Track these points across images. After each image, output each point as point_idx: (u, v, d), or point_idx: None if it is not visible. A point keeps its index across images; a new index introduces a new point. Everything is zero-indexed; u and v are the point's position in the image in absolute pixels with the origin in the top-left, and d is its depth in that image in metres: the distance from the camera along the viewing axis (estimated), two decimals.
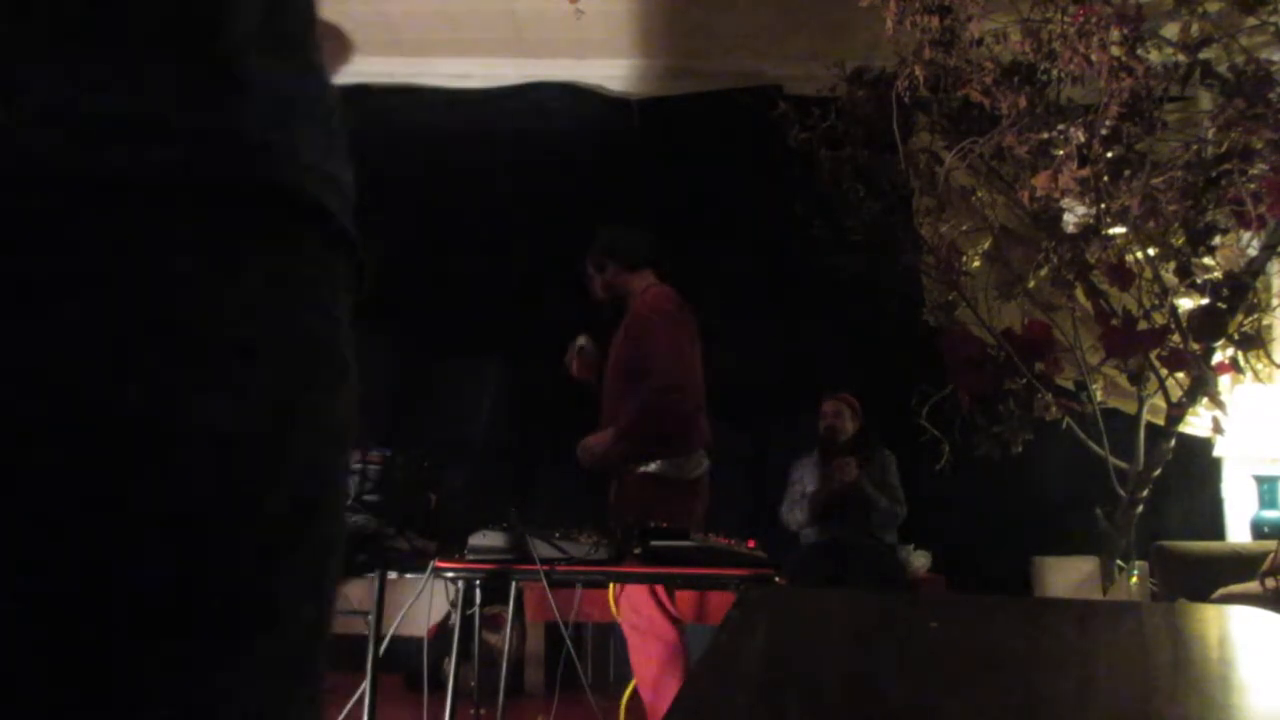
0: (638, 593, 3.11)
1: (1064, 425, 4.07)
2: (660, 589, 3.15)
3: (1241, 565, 3.81)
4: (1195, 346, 3.76)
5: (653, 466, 3.19)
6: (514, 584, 3.20)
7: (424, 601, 2.72)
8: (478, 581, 2.57)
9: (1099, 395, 4.19)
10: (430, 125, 5.16)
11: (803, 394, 4.62)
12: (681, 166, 5.04)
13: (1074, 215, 3.89)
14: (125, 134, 0.43)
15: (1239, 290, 3.67)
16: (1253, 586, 3.52)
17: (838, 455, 4.42)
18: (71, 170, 0.42)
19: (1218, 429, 3.98)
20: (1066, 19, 3.21)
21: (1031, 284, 4.10)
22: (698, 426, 3.20)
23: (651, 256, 3.39)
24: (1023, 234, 4.14)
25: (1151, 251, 3.81)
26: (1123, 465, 4.06)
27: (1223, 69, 3.42)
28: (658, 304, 3.20)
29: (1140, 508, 4.07)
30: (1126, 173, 3.49)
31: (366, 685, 2.36)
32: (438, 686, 3.49)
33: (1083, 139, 3.45)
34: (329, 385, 0.51)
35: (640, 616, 3.13)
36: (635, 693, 3.25)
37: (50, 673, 0.40)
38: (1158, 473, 4.03)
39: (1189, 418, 4.10)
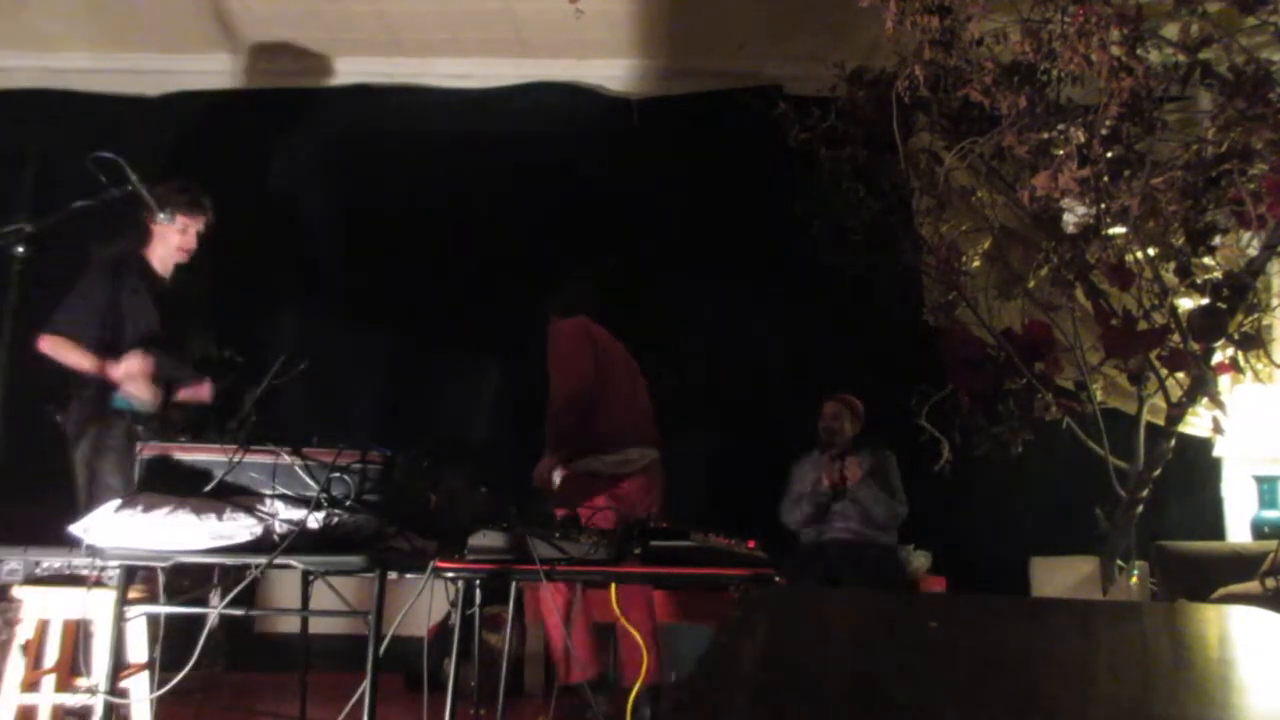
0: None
1: (1064, 425, 4.07)
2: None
3: (1241, 565, 3.81)
4: (1195, 346, 3.76)
5: (589, 465, 3.71)
6: (514, 584, 3.21)
7: (424, 601, 2.72)
8: (478, 581, 2.57)
9: (1099, 395, 4.19)
10: (430, 125, 5.16)
11: (803, 394, 4.61)
12: (681, 166, 5.04)
13: (1074, 215, 3.89)
14: None
15: (1239, 290, 3.67)
16: (1253, 586, 3.52)
17: (838, 457, 4.42)
18: None
19: (1218, 429, 3.98)
20: (1066, 19, 3.20)
21: (1031, 284, 4.10)
22: (594, 427, 3.70)
23: (583, 305, 3.91)
24: (1023, 234, 4.15)
25: (1151, 251, 3.80)
26: (1123, 465, 4.06)
27: (1223, 69, 3.42)
28: (554, 337, 3.83)
29: (1140, 508, 4.06)
30: (1126, 173, 3.49)
31: (366, 685, 2.36)
32: (438, 686, 3.49)
33: (1083, 139, 3.45)
34: None
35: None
36: (640, 692, 3.26)
37: None
38: (1158, 473, 4.03)
39: (1189, 418, 4.09)
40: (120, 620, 2.47)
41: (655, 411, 3.97)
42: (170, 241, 3.59)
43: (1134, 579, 4.05)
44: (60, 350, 3.43)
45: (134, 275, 3.55)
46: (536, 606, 3.81)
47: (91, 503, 3.04)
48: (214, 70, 5.28)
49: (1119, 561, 4.13)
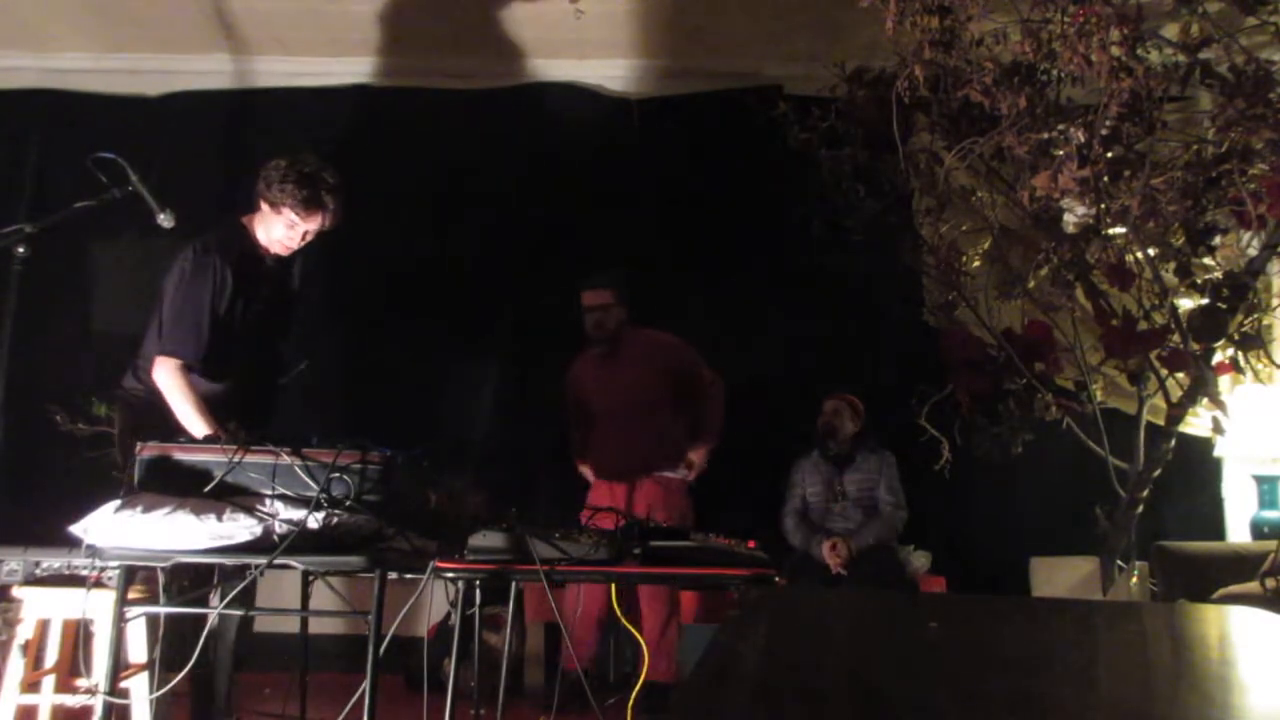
0: None
1: (1064, 425, 4.06)
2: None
3: (1241, 565, 3.81)
4: (1195, 346, 3.76)
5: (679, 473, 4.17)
6: (514, 584, 3.21)
7: (424, 601, 2.72)
8: (478, 581, 2.57)
9: (1099, 395, 4.19)
10: (430, 125, 5.16)
11: (803, 394, 4.61)
12: (681, 166, 5.04)
13: (1074, 215, 3.89)
14: None
15: (1239, 290, 3.67)
16: (1253, 586, 3.52)
17: (836, 458, 4.41)
18: None
19: (1218, 429, 3.98)
20: (1066, 19, 3.20)
21: (1031, 284, 4.09)
22: None
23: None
24: (1023, 234, 4.14)
25: (1151, 251, 3.80)
26: (1123, 465, 4.05)
27: (1223, 69, 3.42)
28: (673, 342, 4.26)
29: (1140, 508, 4.06)
30: (1126, 173, 3.49)
31: (366, 685, 2.36)
32: (438, 686, 3.49)
33: (1083, 139, 3.45)
34: None
35: None
36: (640, 694, 3.27)
37: None
38: (1158, 473, 4.02)
39: (1189, 418, 4.09)
40: (120, 620, 2.47)
41: None
42: (272, 232, 3.06)
43: (1134, 579, 4.05)
44: (173, 383, 2.88)
45: (238, 264, 3.00)
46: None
47: None
48: (214, 70, 5.27)
49: (1119, 561, 4.12)
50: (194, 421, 2.85)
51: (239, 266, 3.01)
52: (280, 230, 3.04)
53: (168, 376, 2.90)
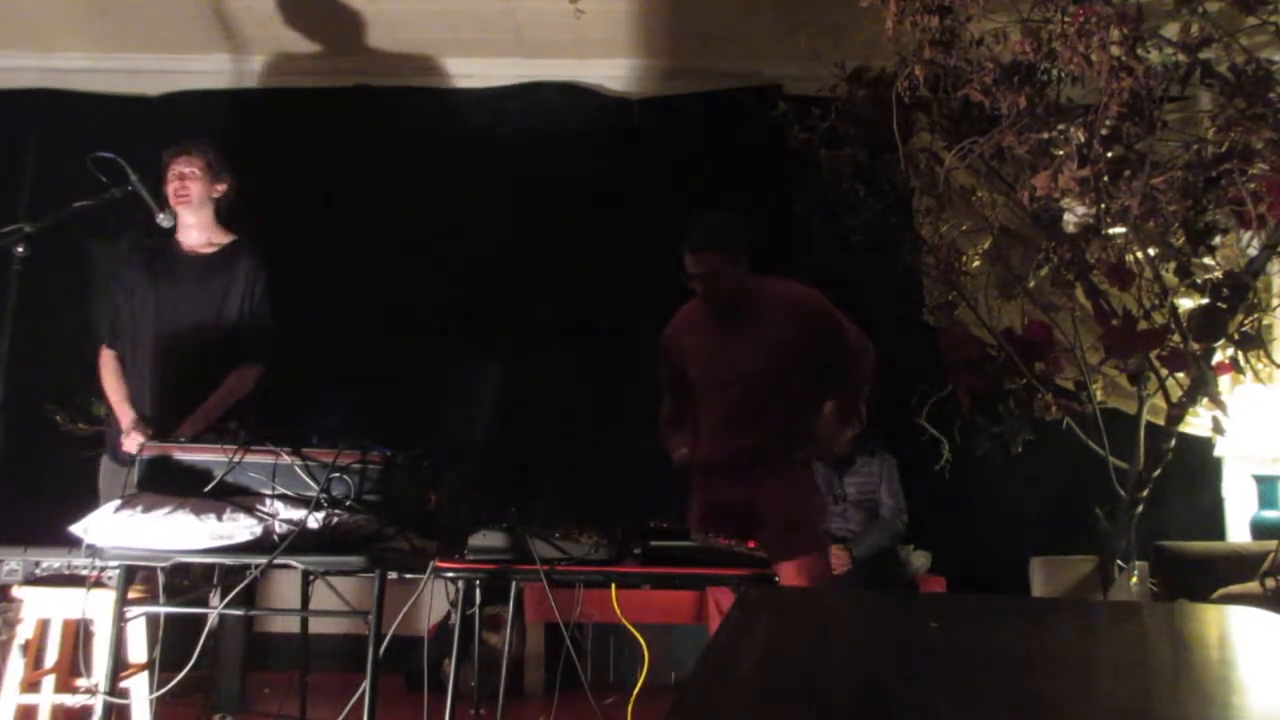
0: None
1: (1064, 425, 4.06)
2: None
3: (1241, 565, 3.81)
4: (1195, 346, 3.76)
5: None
6: (514, 584, 3.21)
7: (424, 601, 2.72)
8: (478, 581, 2.57)
9: (1099, 395, 4.19)
10: (430, 125, 5.16)
11: None
12: (681, 167, 5.03)
13: (1074, 215, 3.89)
14: None
15: (1239, 290, 3.66)
16: (1253, 586, 3.52)
17: (838, 455, 4.40)
18: None
19: (1218, 429, 3.98)
20: (1066, 19, 3.20)
21: (1031, 284, 4.09)
22: None
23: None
24: (1023, 234, 4.14)
25: (1151, 251, 3.80)
26: (1123, 465, 4.05)
27: (1223, 69, 3.42)
28: (817, 297, 3.34)
29: (1140, 508, 4.06)
30: (1126, 173, 3.49)
31: (366, 685, 2.36)
32: (438, 686, 3.49)
33: (1083, 139, 3.44)
34: None
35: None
36: (640, 694, 3.27)
37: None
38: (1158, 473, 4.02)
39: (1189, 418, 4.09)
40: (120, 620, 2.47)
41: None
42: (170, 192, 3.37)
43: (1134, 579, 4.05)
44: (100, 365, 3.44)
45: (136, 265, 3.40)
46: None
47: None
48: (214, 70, 5.28)
49: (1119, 561, 4.12)
50: (114, 400, 3.35)
51: (147, 259, 3.38)
52: (170, 188, 3.34)
53: (100, 361, 3.43)
